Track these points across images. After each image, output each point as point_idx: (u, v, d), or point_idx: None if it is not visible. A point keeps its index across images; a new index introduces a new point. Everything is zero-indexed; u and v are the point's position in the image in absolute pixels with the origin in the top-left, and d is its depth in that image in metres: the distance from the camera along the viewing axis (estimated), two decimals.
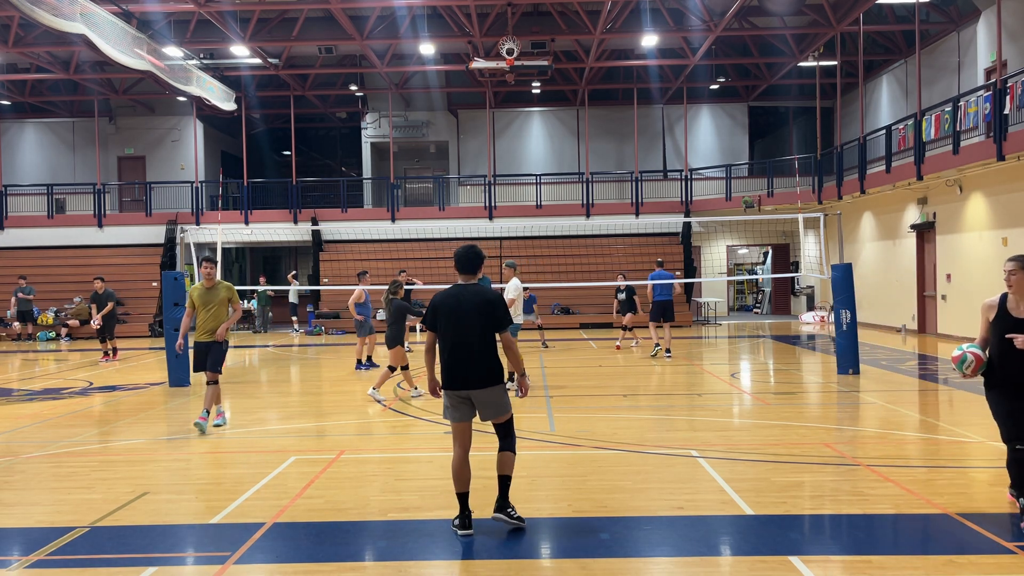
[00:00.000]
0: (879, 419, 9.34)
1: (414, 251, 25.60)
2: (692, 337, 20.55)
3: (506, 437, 5.60)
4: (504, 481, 5.57)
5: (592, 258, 25.44)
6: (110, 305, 16.73)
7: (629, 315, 17.24)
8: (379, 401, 10.90)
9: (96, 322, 16.75)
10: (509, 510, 5.56)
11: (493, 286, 10.98)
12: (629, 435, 8.46)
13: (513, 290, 11.86)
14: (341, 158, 34.74)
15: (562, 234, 26.08)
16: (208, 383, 9.12)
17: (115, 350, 17.10)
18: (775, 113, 31.22)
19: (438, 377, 5.76)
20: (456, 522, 5.49)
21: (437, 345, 5.69)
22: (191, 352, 9.50)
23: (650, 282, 15.93)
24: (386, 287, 12.19)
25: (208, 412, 9.10)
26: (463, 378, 5.44)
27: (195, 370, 9.41)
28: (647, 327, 16.87)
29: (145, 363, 16.74)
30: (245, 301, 26.53)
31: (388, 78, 26.31)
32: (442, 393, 5.62)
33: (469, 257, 5.62)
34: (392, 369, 11.27)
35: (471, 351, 5.45)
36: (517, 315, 11.79)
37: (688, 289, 26.11)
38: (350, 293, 15.57)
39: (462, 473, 5.49)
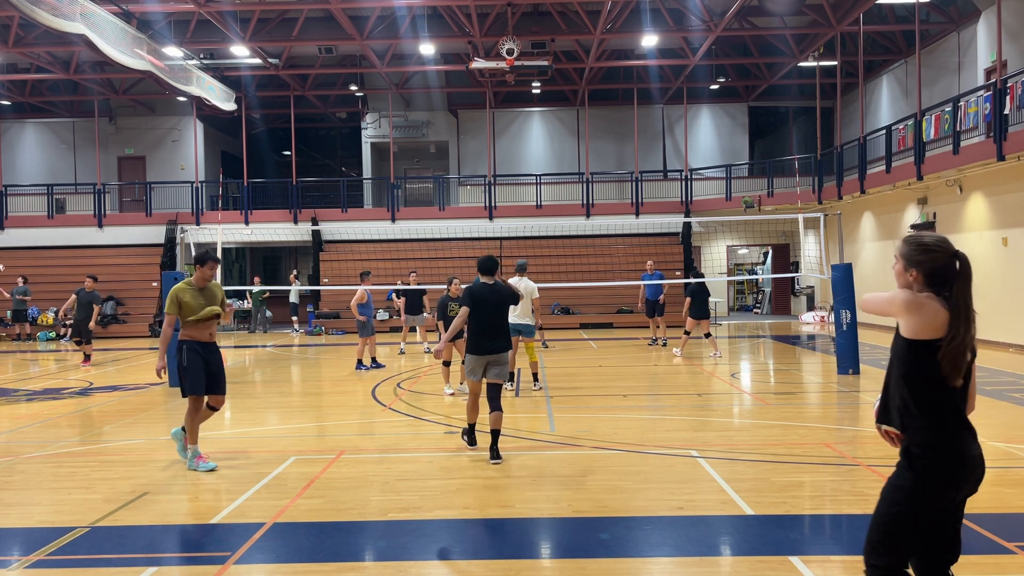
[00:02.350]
0: None
1: (414, 251, 25.59)
2: (692, 337, 20.50)
3: (495, 399, 7.49)
4: (495, 433, 7.43)
5: (592, 258, 25.43)
6: (71, 301, 16.20)
7: (699, 320, 15.67)
8: (451, 393, 11.30)
9: (62, 313, 16.53)
10: (498, 455, 7.36)
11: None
12: (629, 435, 8.46)
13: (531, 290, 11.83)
14: (341, 158, 34.73)
15: (562, 234, 26.07)
16: (214, 408, 7.49)
17: (87, 356, 16.20)
18: (775, 113, 31.22)
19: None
20: (467, 440, 7.86)
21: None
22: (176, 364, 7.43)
23: (642, 282, 17.53)
24: (389, 287, 12.34)
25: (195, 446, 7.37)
26: (490, 346, 7.52)
27: (207, 391, 7.33)
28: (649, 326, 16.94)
29: (145, 363, 16.73)
30: (244, 302, 26.55)
31: (388, 78, 26.30)
32: (467, 357, 7.66)
33: (490, 264, 7.80)
34: (447, 364, 11.38)
35: (496, 329, 7.61)
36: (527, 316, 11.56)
37: (687, 288, 26.08)
38: (350, 293, 15.57)
39: (475, 409, 7.76)
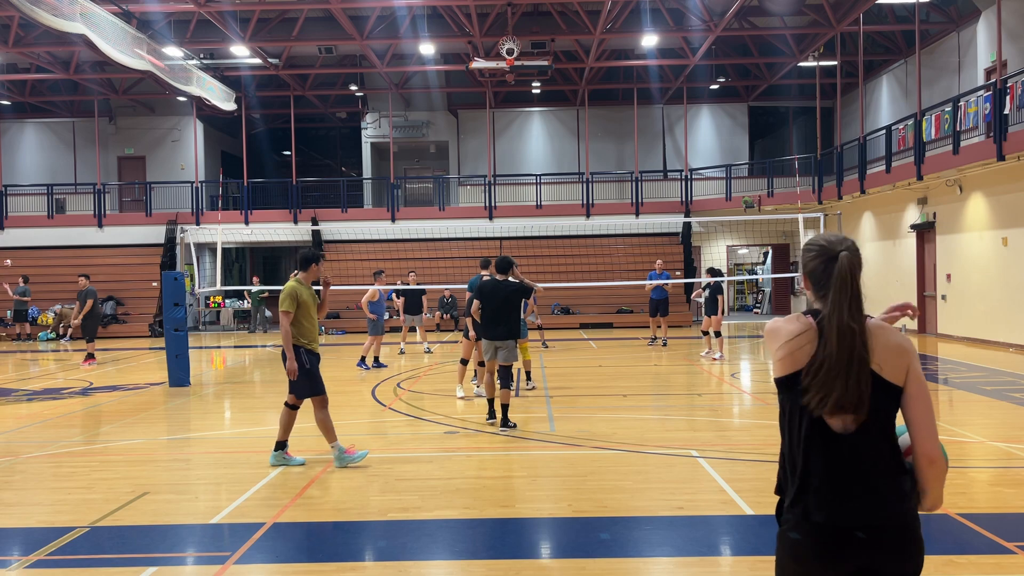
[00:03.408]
0: None
1: (414, 251, 25.59)
2: (692, 337, 20.53)
3: (506, 379, 8.82)
4: (504, 408, 8.81)
5: (592, 258, 25.43)
6: (89, 303, 15.76)
7: (714, 317, 15.13)
8: (462, 397, 11.05)
9: (75, 320, 16.25)
10: (508, 423, 8.75)
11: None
12: (629, 435, 8.46)
13: None
14: (341, 158, 34.73)
15: (562, 234, 26.07)
16: (295, 407, 7.60)
17: (91, 355, 15.88)
18: (775, 113, 31.22)
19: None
20: (488, 417, 9.02)
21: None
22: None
23: (649, 282, 17.31)
24: (389, 287, 12.43)
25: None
26: (495, 333, 8.79)
27: (321, 390, 7.41)
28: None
29: (145, 363, 16.74)
30: (244, 302, 26.56)
31: (388, 78, 26.30)
32: (482, 341, 9.03)
33: (504, 263, 8.98)
34: (463, 362, 11.22)
35: (500, 319, 8.79)
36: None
37: (688, 289, 26.12)
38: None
39: (492, 385, 8.92)
